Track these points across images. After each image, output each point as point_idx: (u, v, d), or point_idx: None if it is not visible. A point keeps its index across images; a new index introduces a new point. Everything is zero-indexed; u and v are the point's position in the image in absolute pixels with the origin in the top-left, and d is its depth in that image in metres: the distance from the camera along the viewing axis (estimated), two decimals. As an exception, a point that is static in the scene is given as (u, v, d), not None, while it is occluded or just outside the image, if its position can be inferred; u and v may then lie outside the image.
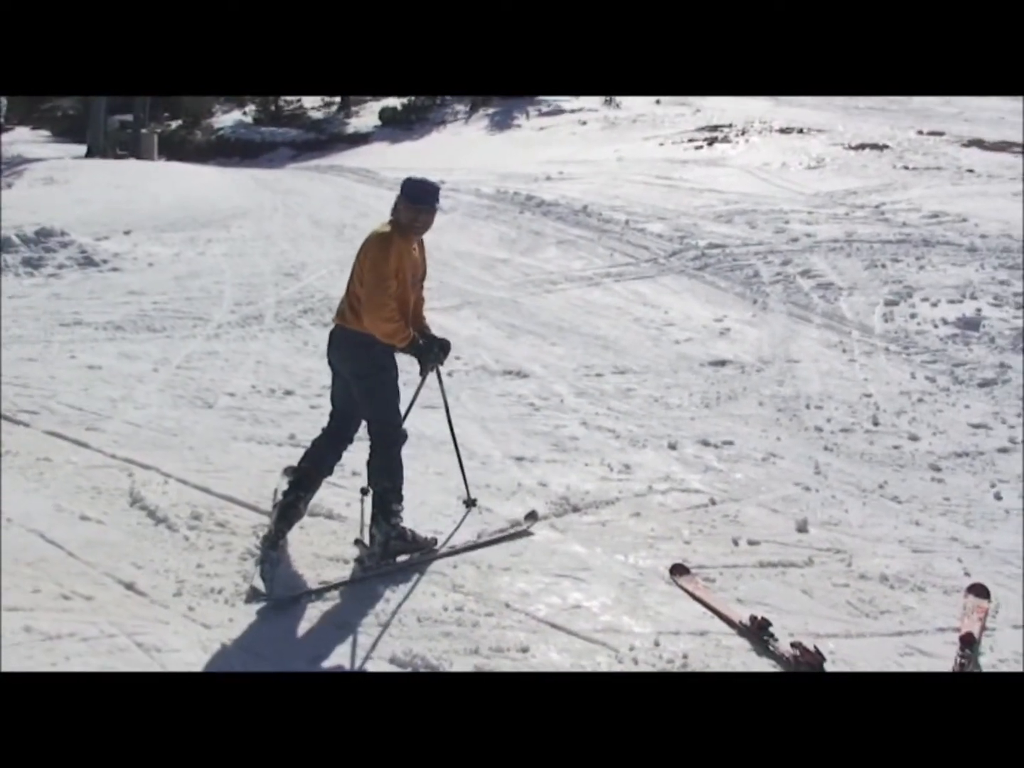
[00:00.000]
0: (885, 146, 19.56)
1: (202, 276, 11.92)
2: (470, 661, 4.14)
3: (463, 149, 26.32)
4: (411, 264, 4.85)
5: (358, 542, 4.95)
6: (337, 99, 37.53)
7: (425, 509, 5.55)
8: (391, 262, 4.68)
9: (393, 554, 4.93)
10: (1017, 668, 4.23)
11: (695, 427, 7.21)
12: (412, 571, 4.90)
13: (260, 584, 4.66)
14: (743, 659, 4.25)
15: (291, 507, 5.00)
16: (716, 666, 4.18)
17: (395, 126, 33.30)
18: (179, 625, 4.34)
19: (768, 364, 8.73)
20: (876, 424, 7.29)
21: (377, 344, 4.75)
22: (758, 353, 9.03)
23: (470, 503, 5.58)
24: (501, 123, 30.38)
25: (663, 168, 18.81)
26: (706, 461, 6.55)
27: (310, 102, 38.25)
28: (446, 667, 4.07)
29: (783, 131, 22.24)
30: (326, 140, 33.81)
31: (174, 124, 37.90)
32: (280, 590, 4.63)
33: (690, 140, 22.40)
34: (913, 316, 9.85)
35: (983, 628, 4.49)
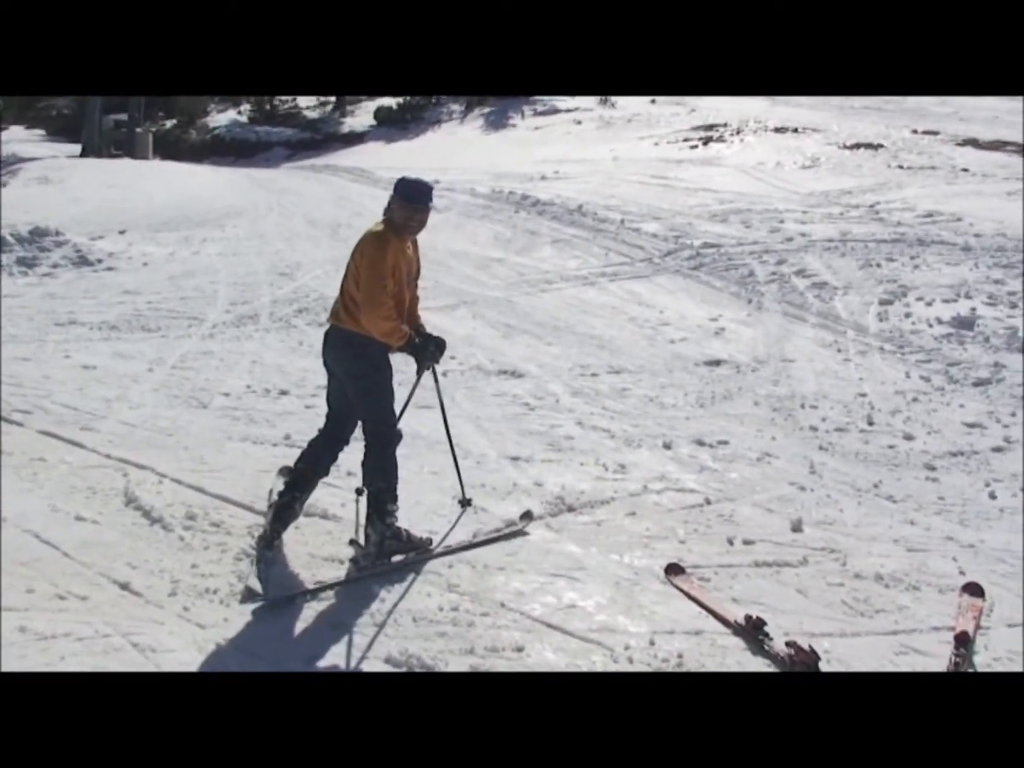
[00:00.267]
0: (880, 145, 19.58)
1: (197, 276, 11.92)
2: (465, 661, 4.13)
3: (458, 148, 26.33)
4: (406, 263, 4.85)
5: (353, 542, 4.95)
6: (332, 98, 37.50)
7: (420, 509, 5.55)
8: (388, 261, 4.68)
9: (388, 554, 4.93)
10: (1012, 666, 4.23)
11: (690, 427, 7.21)
12: (407, 571, 4.90)
13: (255, 584, 4.65)
14: (738, 658, 4.25)
15: (287, 507, 5.00)
16: (711, 665, 4.18)
17: (390, 125, 33.31)
18: (174, 625, 4.33)
19: (763, 364, 8.73)
20: (871, 423, 7.30)
21: (372, 344, 4.75)
22: (753, 353, 9.04)
23: (465, 503, 5.57)
24: (496, 122, 30.41)
25: (658, 167, 18.83)
26: (701, 461, 6.55)
27: (305, 101, 38.23)
28: (441, 667, 4.07)
29: (778, 130, 22.27)
30: (321, 139, 33.80)
31: (169, 123, 37.89)
32: (275, 590, 4.63)
33: (685, 139, 22.44)
34: (908, 315, 9.86)
35: (978, 627, 4.49)
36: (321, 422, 5.17)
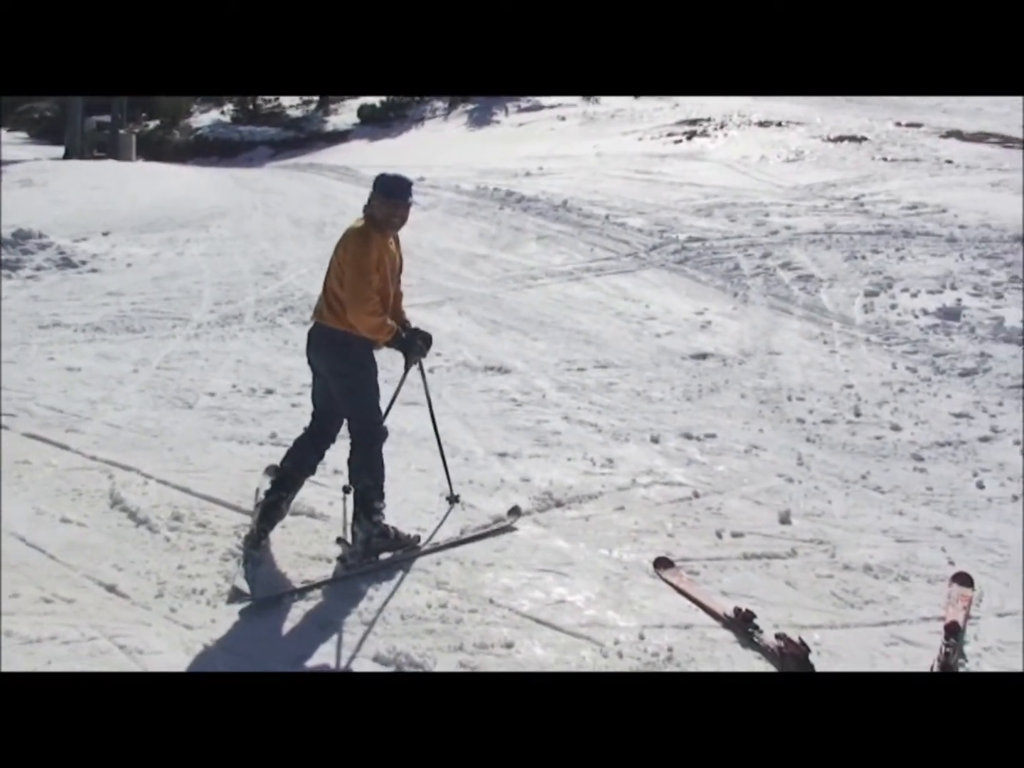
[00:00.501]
0: (864, 138, 19.62)
1: (181, 276, 11.88)
2: (454, 658, 4.12)
3: (442, 146, 26.29)
4: (390, 259, 4.83)
5: (340, 540, 4.93)
6: (315, 97, 37.40)
7: (407, 506, 5.53)
8: (372, 256, 4.66)
9: (376, 552, 4.91)
10: (1002, 656, 4.24)
11: (677, 420, 7.21)
12: (395, 569, 4.89)
13: (242, 584, 4.63)
14: (728, 651, 4.25)
15: (273, 507, 4.98)
16: (701, 659, 4.18)
17: (374, 124, 33.23)
18: (161, 627, 4.31)
19: (749, 356, 8.74)
20: (858, 415, 7.31)
21: (356, 341, 4.73)
22: (739, 346, 9.05)
23: (453, 499, 5.56)
24: (480, 119, 30.37)
25: (642, 163, 18.84)
26: (689, 454, 6.55)
27: (288, 100, 38.06)
28: (430, 664, 4.05)
29: (762, 124, 22.27)
30: (305, 138, 33.69)
31: (152, 124, 37.69)
32: (262, 590, 4.61)
33: (669, 134, 22.43)
34: (893, 307, 9.89)
35: (967, 616, 4.50)
36: (307, 421, 5.15)
